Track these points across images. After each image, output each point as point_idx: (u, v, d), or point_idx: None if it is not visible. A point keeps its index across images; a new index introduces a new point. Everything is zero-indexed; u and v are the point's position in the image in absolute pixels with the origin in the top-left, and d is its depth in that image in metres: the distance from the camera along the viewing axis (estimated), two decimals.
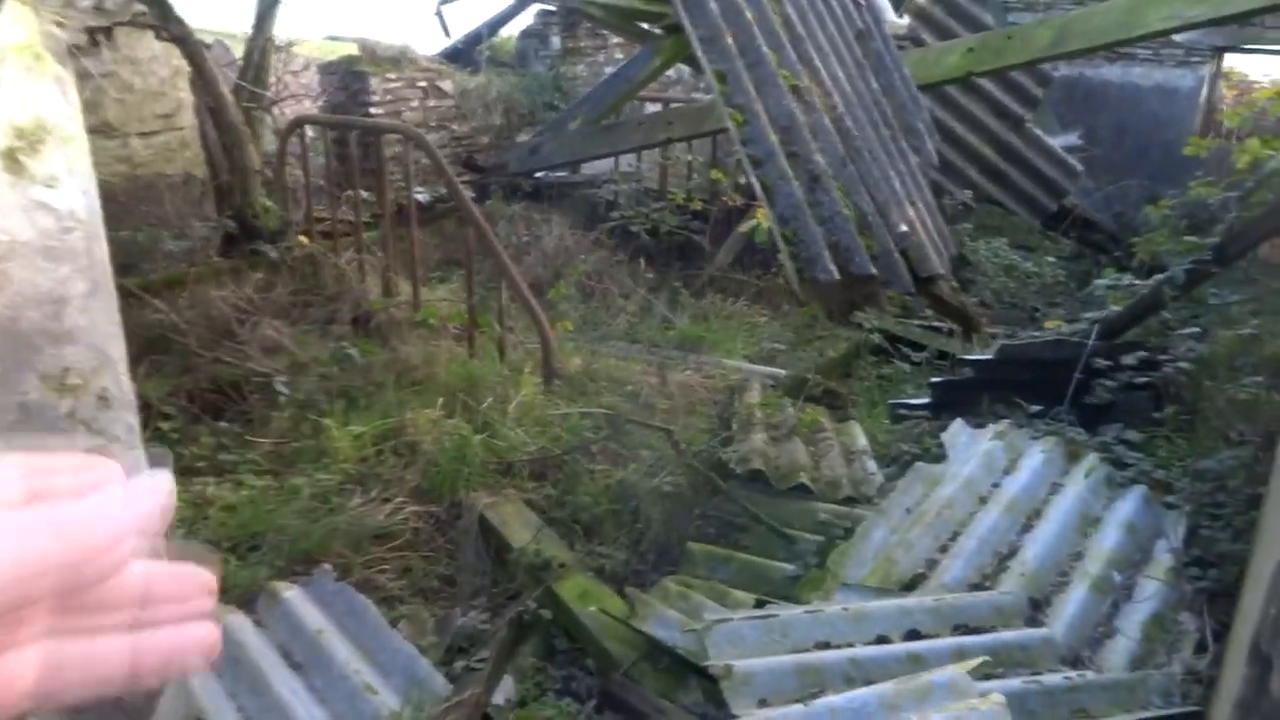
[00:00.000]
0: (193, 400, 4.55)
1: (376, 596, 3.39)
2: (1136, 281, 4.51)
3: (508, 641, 3.23)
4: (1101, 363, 4.12)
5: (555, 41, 10.38)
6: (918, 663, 2.70)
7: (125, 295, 4.78)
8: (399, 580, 3.58)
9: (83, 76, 5.99)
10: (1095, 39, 6.14)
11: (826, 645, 2.87)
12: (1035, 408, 4.17)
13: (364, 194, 5.78)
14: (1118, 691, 2.68)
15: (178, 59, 6.43)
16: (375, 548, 3.67)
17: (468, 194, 5.52)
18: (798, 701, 2.51)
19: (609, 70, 9.29)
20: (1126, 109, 10.50)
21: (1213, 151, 5.60)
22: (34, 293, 1.58)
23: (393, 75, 8.21)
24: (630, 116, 8.62)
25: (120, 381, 1.83)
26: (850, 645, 2.86)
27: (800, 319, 6.51)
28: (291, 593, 3.29)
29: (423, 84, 8.52)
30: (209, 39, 7.55)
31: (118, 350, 1.57)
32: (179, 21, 5.49)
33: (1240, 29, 9.74)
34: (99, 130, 6.48)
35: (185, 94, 6.97)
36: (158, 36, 5.96)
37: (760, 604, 3.22)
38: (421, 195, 6.86)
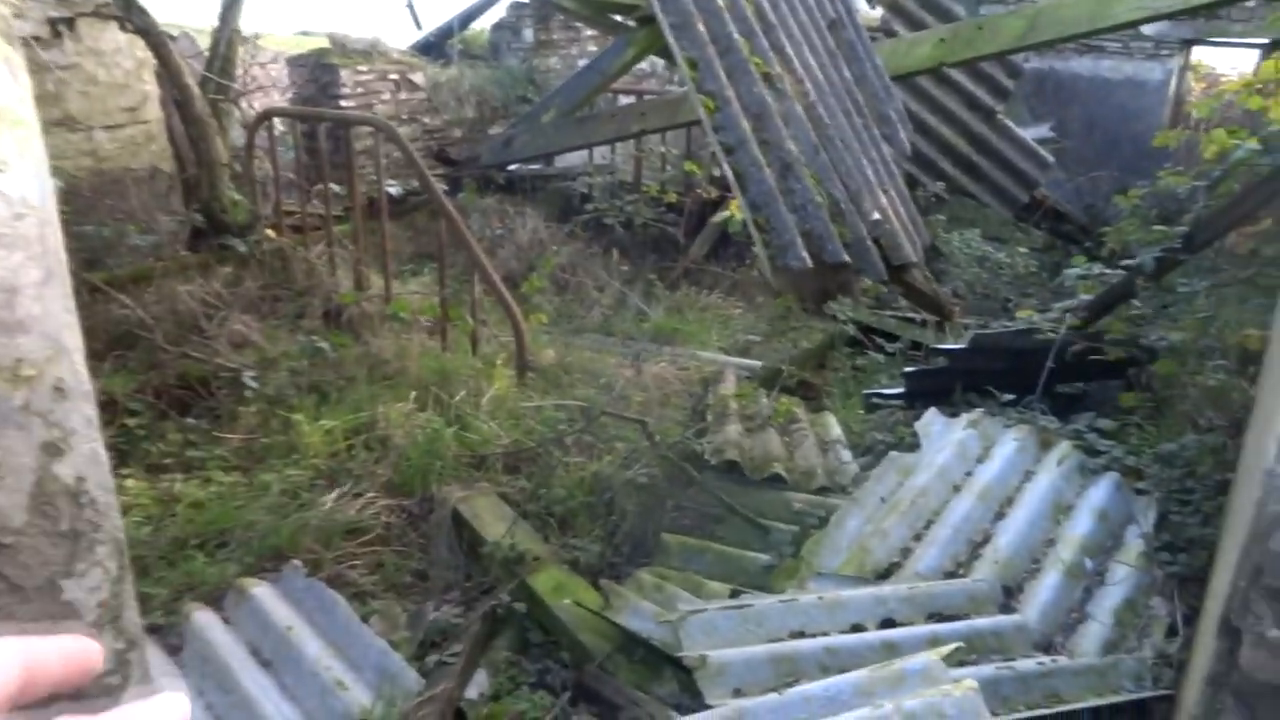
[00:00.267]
0: (160, 396, 4.47)
1: (348, 592, 3.35)
2: (1107, 271, 4.54)
3: (481, 635, 3.20)
4: (1073, 351, 4.14)
5: (528, 34, 10.33)
6: (892, 651, 2.71)
7: (91, 290, 4.72)
8: (371, 576, 3.54)
9: (45, 68, 5.89)
10: (1065, 29, 6.18)
11: (801, 634, 2.86)
12: (1008, 396, 4.19)
13: (334, 187, 5.71)
14: (1090, 676, 2.69)
15: (142, 51, 6.33)
16: (346, 543, 3.62)
17: (440, 187, 5.47)
18: (772, 691, 2.50)
19: (582, 63, 9.25)
20: (1096, 101, 10.59)
21: (1181, 143, 5.65)
22: None
23: (364, 68, 8.14)
24: (604, 109, 8.59)
25: (77, 372, 1.77)
26: (825, 634, 2.86)
27: (775, 311, 6.50)
28: (260, 589, 3.25)
29: (394, 77, 8.44)
30: (174, 32, 7.44)
31: (73, 340, 1.53)
32: (142, 12, 5.40)
33: (1207, 22, 9.85)
34: (63, 123, 6.37)
35: (151, 86, 6.86)
36: (122, 28, 5.86)
37: (735, 594, 3.21)
38: (393, 188, 6.80)
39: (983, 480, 3.57)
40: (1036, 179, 8.80)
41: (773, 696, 2.42)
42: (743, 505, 3.74)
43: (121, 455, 3.96)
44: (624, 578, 3.52)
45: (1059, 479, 3.59)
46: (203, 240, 5.62)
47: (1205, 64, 11.37)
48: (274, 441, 4.20)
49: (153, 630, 3.04)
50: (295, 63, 8.27)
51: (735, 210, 5.80)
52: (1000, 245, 7.93)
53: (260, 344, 4.81)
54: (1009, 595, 3.10)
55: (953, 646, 2.51)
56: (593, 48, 10.02)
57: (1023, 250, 7.94)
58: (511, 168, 8.39)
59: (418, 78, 8.61)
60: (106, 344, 4.57)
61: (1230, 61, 11.42)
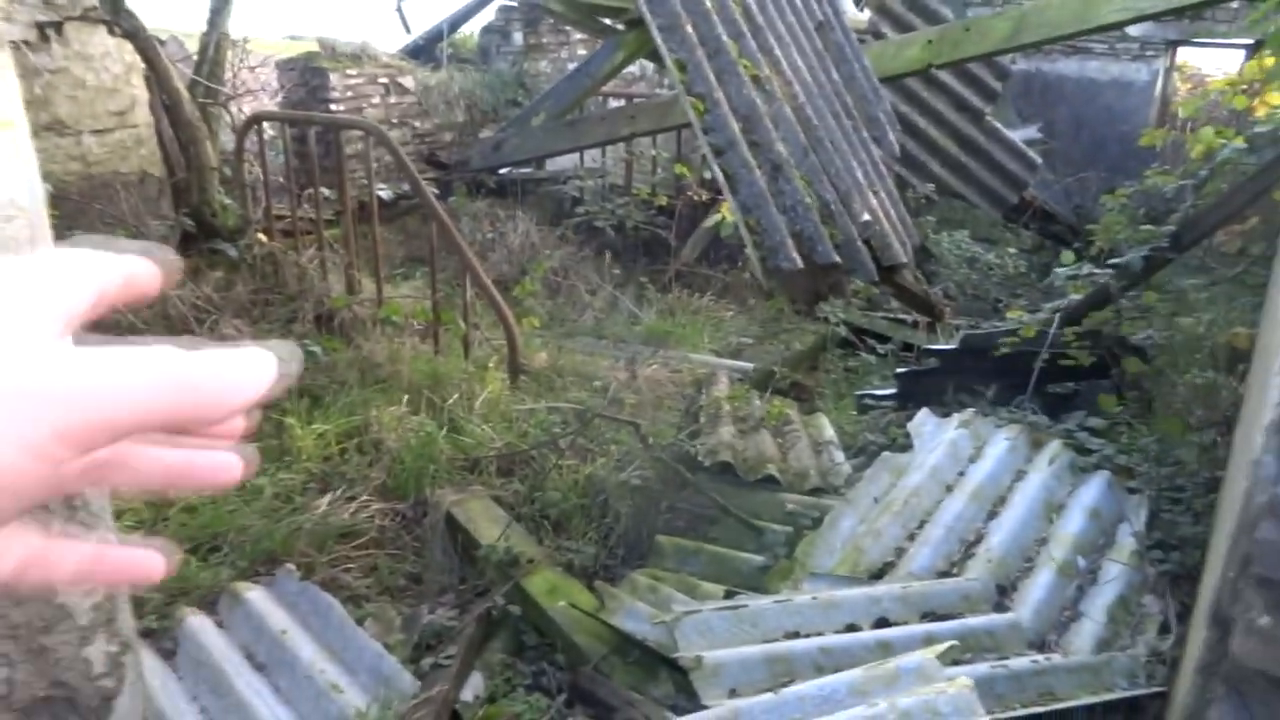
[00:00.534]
0: None
1: (342, 595, 3.34)
2: (1095, 270, 4.57)
3: (476, 638, 3.20)
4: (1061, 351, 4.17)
5: (517, 38, 10.33)
6: (887, 650, 2.71)
7: None
8: (365, 579, 3.53)
9: (33, 73, 5.86)
10: (1052, 30, 6.22)
11: (796, 634, 2.87)
12: (998, 396, 4.21)
13: (325, 191, 5.70)
14: (1083, 674, 2.71)
15: (131, 55, 6.30)
16: (340, 546, 3.62)
17: (431, 191, 5.47)
18: (768, 690, 2.50)
19: (571, 66, 9.26)
20: (1083, 102, 10.66)
21: (1168, 143, 5.69)
22: None
23: (353, 71, 8.12)
24: (594, 112, 8.60)
25: None
26: (820, 634, 2.87)
27: (766, 313, 6.52)
28: (254, 593, 3.24)
29: (384, 80, 8.43)
30: (163, 36, 7.41)
31: None
32: (131, 16, 5.39)
33: (1192, 24, 9.92)
34: (51, 128, 6.34)
35: (140, 90, 6.83)
36: (110, 32, 5.84)
37: (729, 595, 3.22)
38: (384, 192, 6.79)
39: (975, 480, 3.59)
40: (1025, 180, 8.85)
41: (768, 696, 2.43)
42: (736, 506, 3.75)
43: None
44: (618, 579, 3.52)
45: (1050, 478, 3.61)
46: (193, 245, 5.60)
47: (1191, 65, 11.45)
48: (266, 445, 4.18)
49: (147, 634, 3.03)
50: (284, 66, 8.25)
51: (726, 213, 5.81)
52: (990, 246, 7.96)
53: None
54: (1002, 594, 3.12)
55: (947, 645, 2.52)
56: (582, 51, 10.03)
57: (1012, 251, 7.98)
58: (502, 171, 8.39)
59: (407, 81, 8.60)
60: None
61: (1215, 62, 11.51)
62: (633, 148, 8.12)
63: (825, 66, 5.27)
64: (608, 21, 7.79)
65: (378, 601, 3.44)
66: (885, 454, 3.89)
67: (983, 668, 2.64)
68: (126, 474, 0.42)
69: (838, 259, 4.12)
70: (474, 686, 3.02)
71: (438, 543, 3.67)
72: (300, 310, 5.22)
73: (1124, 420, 4.06)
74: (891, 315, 6.25)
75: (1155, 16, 6.30)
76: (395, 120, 8.38)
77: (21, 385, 0.34)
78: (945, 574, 3.19)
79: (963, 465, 3.74)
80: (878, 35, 7.72)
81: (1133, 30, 9.48)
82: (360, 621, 3.22)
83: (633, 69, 9.31)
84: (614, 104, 8.96)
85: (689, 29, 4.21)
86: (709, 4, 4.32)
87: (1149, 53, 10.49)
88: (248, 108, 7.31)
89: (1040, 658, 2.77)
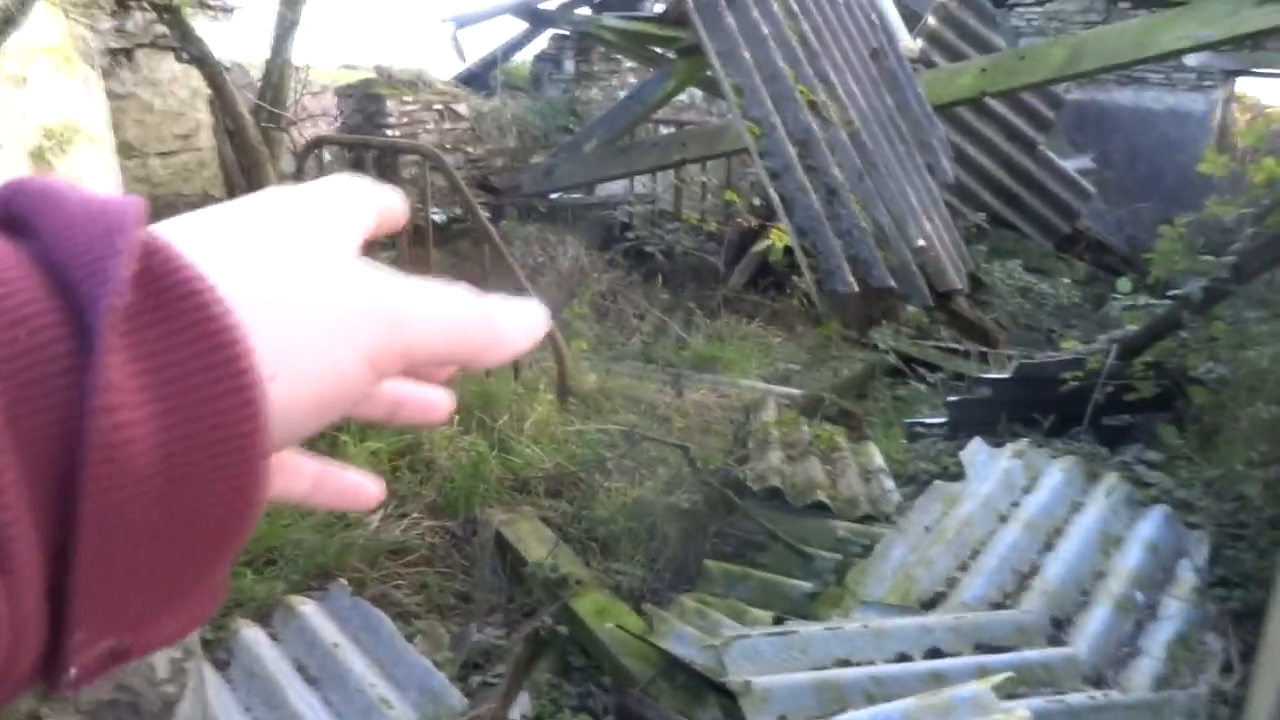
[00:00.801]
0: None
1: (392, 611, 3.37)
2: (1153, 301, 4.49)
3: (524, 657, 3.21)
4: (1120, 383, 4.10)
5: (569, 65, 10.47)
6: (940, 681, 2.67)
7: None
8: (415, 596, 3.56)
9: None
10: (1109, 59, 6.16)
11: (846, 663, 2.84)
12: (1053, 428, 4.15)
13: None
14: (1143, 712, 2.64)
15: (197, 80, 6.50)
16: (391, 563, 3.66)
17: (484, 214, 5.55)
18: (818, 718, 2.48)
19: (622, 94, 9.36)
20: (1139, 133, 10.52)
21: (1227, 173, 5.60)
22: None
23: (409, 98, 8.29)
24: (644, 139, 8.67)
25: None
26: (871, 663, 2.83)
27: (815, 339, 6.50)
28: (307, 607, 3.28)
29: (439, 107, 8.59)
30: (227, 63, 7.64)
31: None
32: (199, 42, 5.57)
33: (1251, 53, 9.77)
34: (119, 150, 6.54)
35: (204, 114, 7.04)
36: (178, 58, 6.04)
37: (778, 621, 3.19)
38: (438, 215, 6.90)
39: (1029, 511, 3.53)
40: (1078, 210, 8.74)
41: None
42: (785, 532, 3.72)
43: None
44: (666, 603, 3.51)
45: (1107, 510, 3.55)
46: None
47: (1249, 95, 11.28)
48: None
49: (203, 644, 3.08)
50: (343, 93, 8.45)
51: (776, 239, 5.83)
52: (1042, 276, 7.87)
53: None
54: (1058, 627, 3.06)
55: (1003, 676, 2.48)
56: (632, 79, 10.14)
57: (1065, 281, 7.87)
58: (553, 196, 8.49)
59: (461, 108, 8.76)
60: None
61: (1276, 92, 11.32)
62: (682, 174, 8.18)
63: (880, 93, 5.28)
64: (659, 50, 7.88)
65: (427, 618, 3.47)
66: (937, 482, 3.84)
67: (1038, 702, 2.59)
68: (368, 402, 0.42)
69: (893, 283, 4.10)
70: (521, 706, 3.03)
71: (486, 561, 3.69)
72: None
73: (1183, 454, 3.98)
74: (942, 344, 6.19)
75: (1215, 45, 6.22)
76: (449, 145, 8.52)
77: (354, 299, 0.35)
78: (999, 605, 3.14)
79: (1016, 495, 3.69)
80: (929, 63, 7.71)
81: (1190, 60, 9.36)
82: (410, 638, 3.25)
83: (683, 96, 9.38)
84: (664, 130, 9.03)
85: (746, 55, 4.25)
86: (766, 31, 4.36)
87: (1206, 83, 10.34)
88: (308, 133, 7.49)
89: (1098, 694, 2.71)
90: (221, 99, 5.90)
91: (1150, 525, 3.48)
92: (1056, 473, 3.75)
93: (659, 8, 8.95)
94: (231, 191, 6.50)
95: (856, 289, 3.90)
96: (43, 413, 0.26)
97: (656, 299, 7.08)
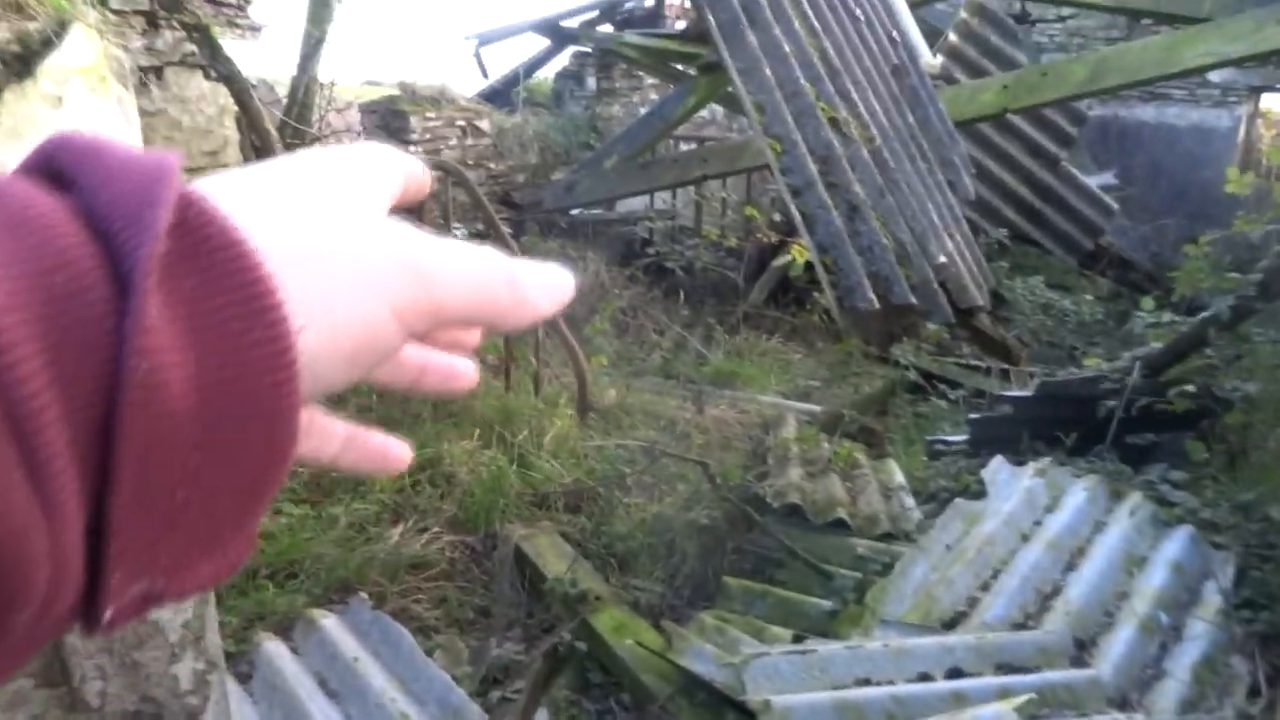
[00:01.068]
0: None
1: (412, 626, 3.38)
2: (1177, 319, 4.46)
3: (543, 673, 3.21)
4: (1144, 400, 4.06)
5: (590, 82, 10.53)
6: (962, 701, 2.65)
7: None
8: (434, 610, 3.58)
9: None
10: (1132, 75, 6.13)
11: (867, 682, 2.82)
12: (1075, 446, 4.12)
13: None
14: None
15: (224, 97, 6.58)
16: (411, 577, 3.67)
17: (505, 230, 5.59)
18: None
19: (643, 110, 9.41)
20: (1162, 149, 10.46)
21: (1253, 190, 5.55)
22: None
23: (432, 114, 8.37)
24: (665, 155, 8.71)
25: None
26: (891, 683, 2.82)
27: (835, 356, 6.49)
28: (328, 621, 3.30)
29: (461, 123, 8.67)
30: (254, 80, 7.74)
31: None
32: (228, 60, 5.64)
33: (1276, 69, 9.70)
34: None
35: (231, 131, 7.12)
36: (206, 76, 6.12)
37: (798, 639, 3.18)
38: (459, 231, 6.95)
39: (1052, 530, 3.50)
40: (1101, 227, 8.69)
41: None
42: (805, 550, 3.71)
43: None
44: (685, 620, 3.50)
45: (1131, 530, 3.51)
46: None
47: (1274, 111, 11.19)
48: (342, 476, 4.28)
49: (225, 658, 3.10)
50: (367, 109, 8.54)
51: (797, 255, 5.83)
52: (1064, 293, 7.82)
53: None
54: (1081, 648, 3.03)
55: (1026, 698, 2.46)
56: (654, 96, 10.19)
57: (1088, 298, 7.83)
58: (574, 212, 8.53)
59: (484, 124, 8.83)
60: None
61: None
62: (703, 190, 8.20)
63: (901, 110, 5.28)
64: (680, 67, 7.92)
65: (446, 633, 3.48)
66: (958, 501, 3.82)
67: None
68: (394, 365, 0.43)
69: (914, 299, 4.10)
70: None
71: (506, 576, 3.70)
72: None
73: (1209, 474, 3.93)
74: (963, 361, 6.16)
75: (1240, 61, 6.18)
76: (471, 161, 8.59)
77: (382, 252, 0.35)
78: (1021, 625, 3.12)
79: (1039, 514, 3.66)
80: (950, 80, 7.70)
81: (1214, 76, 9.31)
82: (430, 653, 3.26)
83: (704, 113, 9.42)
84: (685, 147, 9.07)
85: (767, 72, 4.26)
86: (787, 48, 4.38)
87: (1231, 99, 10.27)
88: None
89: (1122, 716, 2.68)
90: (248, 116, 5.97)
91: (1175, 545, 3.44)
92: (1079, 491, 3.72)
93: (680, 25, 9.00)
94: None
95: (877, 306, 3.90)
96: (83, 355, 0.27)
97: (677, 315, 7.09)
